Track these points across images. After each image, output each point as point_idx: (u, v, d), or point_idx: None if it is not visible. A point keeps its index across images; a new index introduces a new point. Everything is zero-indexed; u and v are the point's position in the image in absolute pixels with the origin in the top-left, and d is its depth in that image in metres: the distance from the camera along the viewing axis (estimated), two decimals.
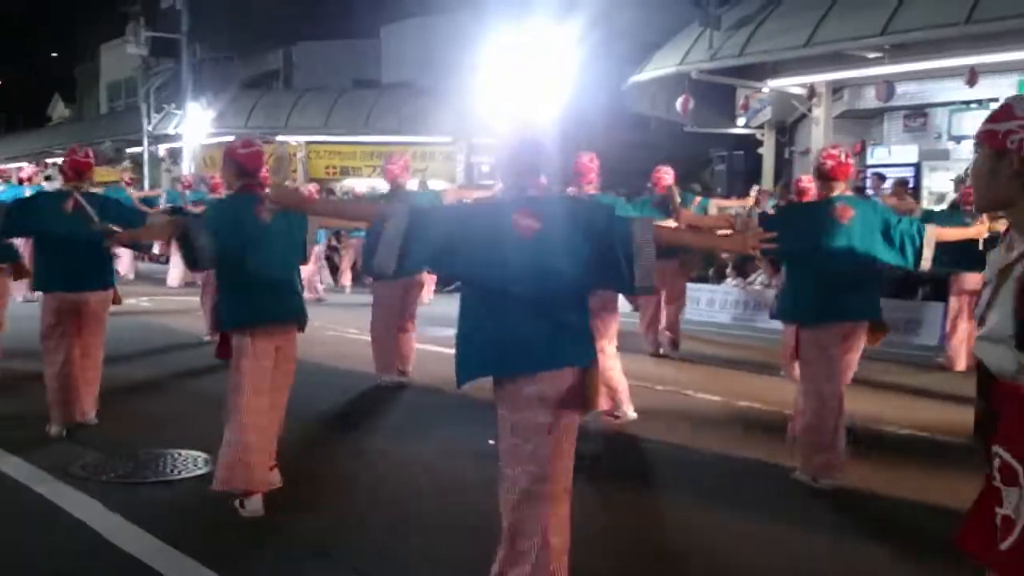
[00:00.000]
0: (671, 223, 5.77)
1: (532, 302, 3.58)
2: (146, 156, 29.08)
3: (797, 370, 6.10)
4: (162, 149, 30.13)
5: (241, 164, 5.26)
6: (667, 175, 10.31)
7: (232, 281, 5.27)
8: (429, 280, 15.56)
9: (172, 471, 5.97)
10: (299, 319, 5.39)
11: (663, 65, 17.57)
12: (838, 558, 4.83)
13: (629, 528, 5.22)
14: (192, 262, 5.37)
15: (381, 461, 6.42)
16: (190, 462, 6.12)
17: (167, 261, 18.98)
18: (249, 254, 5.13)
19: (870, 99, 16.24)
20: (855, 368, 5.89)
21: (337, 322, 12.47)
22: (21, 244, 9.54)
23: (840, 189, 5.77)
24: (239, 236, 5.11)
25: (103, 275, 6.95)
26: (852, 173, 5.80)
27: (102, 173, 22.27)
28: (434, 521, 5.17)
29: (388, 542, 4.87)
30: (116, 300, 7.09)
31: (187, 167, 26.85)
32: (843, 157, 5.77)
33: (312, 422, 7.29)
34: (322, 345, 10.08)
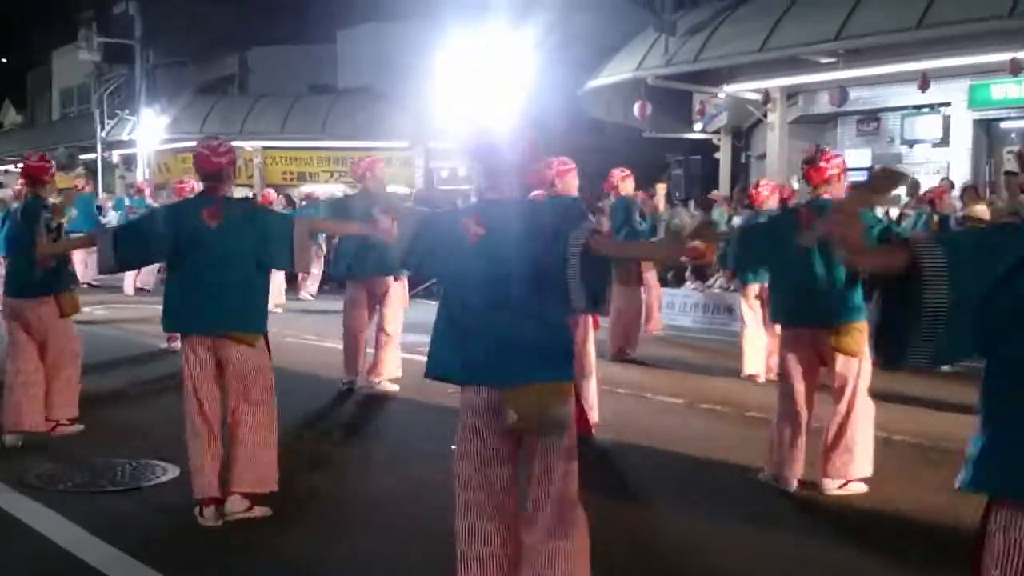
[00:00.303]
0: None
1: (482, 311, 3.49)
2: (100, 163, 28.74)
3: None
4: (116, 155, 29.78)
5: (199, 167, 5.23)
6: (623, 179, 10.43)
7: (171, 284, 5.31)
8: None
9: (130, 480, 5.89)
10: (240, 329, 5.13)
11: (619, 71, 17.67)
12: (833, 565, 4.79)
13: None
14: (99, 265, 5.73)
15: (348, 468, 6.40)
16: (148, 471, 6.04)
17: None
18: (187, 258, 5.09)
19: (824, 104, 16.44)
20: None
21: (303, 329, 12.40)
22: None
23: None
24: (175, 240, 5.10)
25: (42, 284, 6.75)
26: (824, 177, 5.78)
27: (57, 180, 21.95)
28: (407, 529, 5.14)
29: (358, 551, 4.85)
30: (66, 310, 6.95)
31: (141, 174, 26.56)
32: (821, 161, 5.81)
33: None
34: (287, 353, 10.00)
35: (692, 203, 18.95)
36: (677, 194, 18.92)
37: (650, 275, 12.23)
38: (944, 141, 15.63)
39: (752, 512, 5.44)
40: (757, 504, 5.62)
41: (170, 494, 5.60)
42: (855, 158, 16.87)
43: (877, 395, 5.83)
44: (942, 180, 13.61)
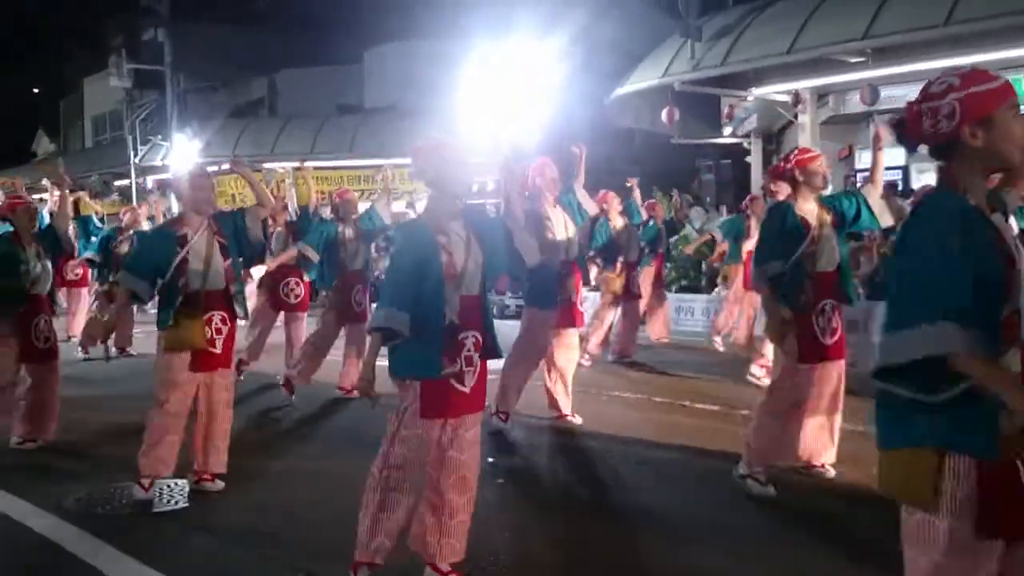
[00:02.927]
0: None
1: None
2: (134, 188, 29.04)
3: None
4: (150, 180, 30.08)
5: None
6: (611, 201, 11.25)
7: None
8: None
9: (168, 502, 5.89)
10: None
11: (646, 78, 17.61)
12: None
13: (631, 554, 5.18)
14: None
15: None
16: (185, 491, 6.05)
17: None
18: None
19: (855, 104, 16.27)
20: None
21: None
22: None
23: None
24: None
25: None
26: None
27: (92, 207, 22.22)
28: None
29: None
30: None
31: (176, 199, 26.78)
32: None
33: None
34: None
35: (724, 208, 18.86)
36: (708, 199, 18.83)
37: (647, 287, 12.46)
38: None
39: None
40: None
41: (210, 513, 5.62)
42: (889, 157, 16.66)
43: None
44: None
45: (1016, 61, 13.84)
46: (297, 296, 10.10)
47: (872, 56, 14.66)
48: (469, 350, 4.22)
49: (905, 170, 16.40)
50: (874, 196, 6.07)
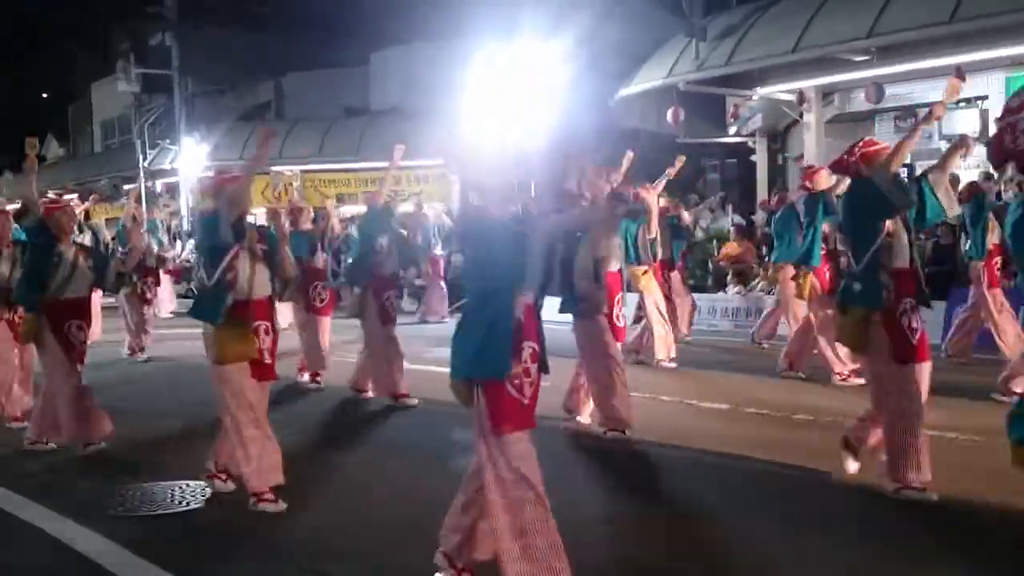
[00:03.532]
0: None
1: None
2: (143, 192, 29.13)
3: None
4: (159, 184, 30.19)
5: None
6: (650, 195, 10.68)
7: None
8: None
9: (177, 503, 5.95)
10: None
11: (650, 78, 17.65)
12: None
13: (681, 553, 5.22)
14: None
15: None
16: (193, 492, 6.11)
17: None
18: None
19: (860, 102, 16.29)
20: None
21: None
22: None
23: None
24: None
25: None
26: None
27: (103, 211, 22.36)
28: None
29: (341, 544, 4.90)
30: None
31: (185, 201, 26.93)
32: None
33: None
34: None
35: (731, 207, 18.88)
36: (713, 199, 18.82)
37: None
38: (983, 135, 15.42)
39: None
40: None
41: (213, 514, 5.69)
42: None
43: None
44: (981, 174, 13.44)
45: (1021, 58, 13.87)
46: (323, 300, 10.10)
47: (877, 54, 14.69)
48: (527, 361, 4.07)
49: (911, 168, 16.37)
50: (942, 184, 5.74)
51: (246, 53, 31.30)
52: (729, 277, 15.65)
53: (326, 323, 10.18)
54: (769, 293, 13.25)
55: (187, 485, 6.22)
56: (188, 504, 5.91)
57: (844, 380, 9.26)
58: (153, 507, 5.87)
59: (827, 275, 9.49)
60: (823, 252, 9.53)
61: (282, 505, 5.63)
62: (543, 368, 4.15)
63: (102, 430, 7.33)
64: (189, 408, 8.57)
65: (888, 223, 5.56)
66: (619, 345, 7.61)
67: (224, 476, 6.05)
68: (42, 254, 7.21)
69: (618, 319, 7.47)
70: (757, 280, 15.05)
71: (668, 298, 11.61)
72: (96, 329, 13.87)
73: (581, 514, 5.18)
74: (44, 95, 47.51)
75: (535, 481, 3.98)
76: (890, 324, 5.53)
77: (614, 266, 7.46)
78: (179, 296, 19.67)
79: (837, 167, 6.32)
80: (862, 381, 9.04)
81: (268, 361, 5.83)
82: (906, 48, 14.34)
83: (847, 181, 9.35)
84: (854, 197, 5.87)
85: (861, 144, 5.96)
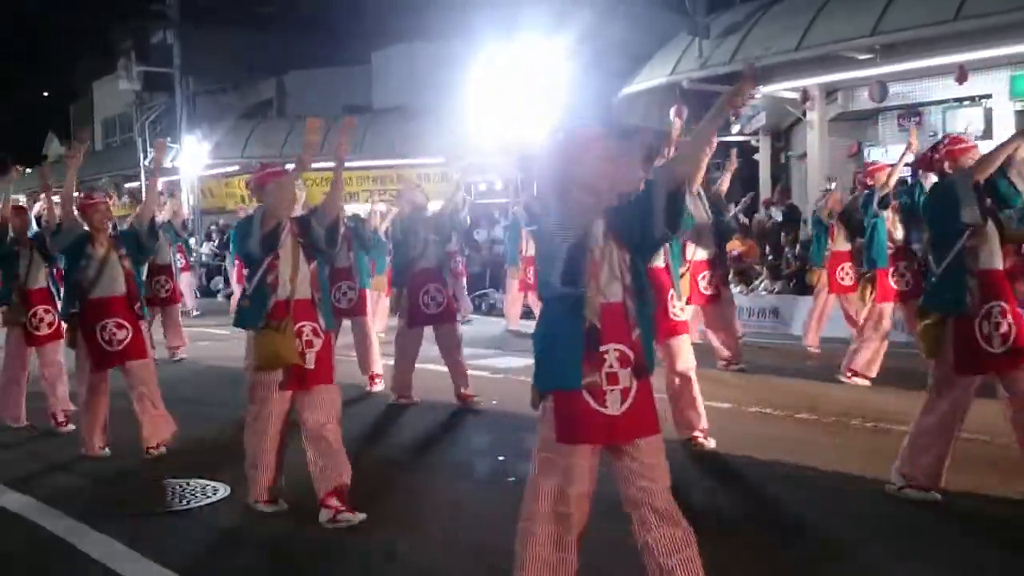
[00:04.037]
0: None
1: None
2: (144, 191, 29.12)
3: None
4: (160, 183, 30.14)
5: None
6: None
7: None
8: None
9: (182, 501, 5.93)
10: None
11: (653, 76, 17.61)
12: None
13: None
14: None
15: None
16: (199, 491, 6.08)
17: None
18: None
19: (864, 100, 16.25)
20: None
21: None
22: None
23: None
24: None
25: None
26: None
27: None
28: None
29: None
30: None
31: (186, 199, 26.89)
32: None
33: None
34: None
35: (734, 205, 18.82)
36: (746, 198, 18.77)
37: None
38: (987, 133, 15.38)
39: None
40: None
41: (222, 514, 5.65)
42: (898, 154, 16.67)
43: None
44: None
45: None
46: (351, 300, 9.74)
47: (880, 52, 14.64)
48: (612, 365, 3.64)
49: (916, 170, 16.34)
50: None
51: (248, 51, 31.31)
52: (731, 276, 15.60)
53: (363, 324, 9.89)
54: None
55: (186, 484, 6.20)
56: (189, 503, 5.89)
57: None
58: (161, 506, 5.85)
59: (895, 277, 9.33)
60: (890, 252, 9.39)
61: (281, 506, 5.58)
62: (643, 372, 3.70)
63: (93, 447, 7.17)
64: (208, 410, 8.55)
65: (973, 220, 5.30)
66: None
67: (347, 508, 5.35)
68: (71, 256, 7.04)
69: (675, 314, 7.08)
70: (760, 280, 15.02)
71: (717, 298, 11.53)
72: None
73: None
74: (45, 93, 47.55)
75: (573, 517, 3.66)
76: (961, 331, 5.29)
77: (660, 262, 7.04)
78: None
79: (922, 164, 6.07)
80: (864, 381, 9.07)
81: (311, 367, 5.42)
82: (910, 46, 14.30)
83: (895, 176, 9.40)
84: (936, 196, 5.64)
85: (948, 141, 5.76)
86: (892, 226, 9.74)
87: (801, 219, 17.16)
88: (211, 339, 14.58)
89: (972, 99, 15.34)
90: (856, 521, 5.25)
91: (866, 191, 9.56)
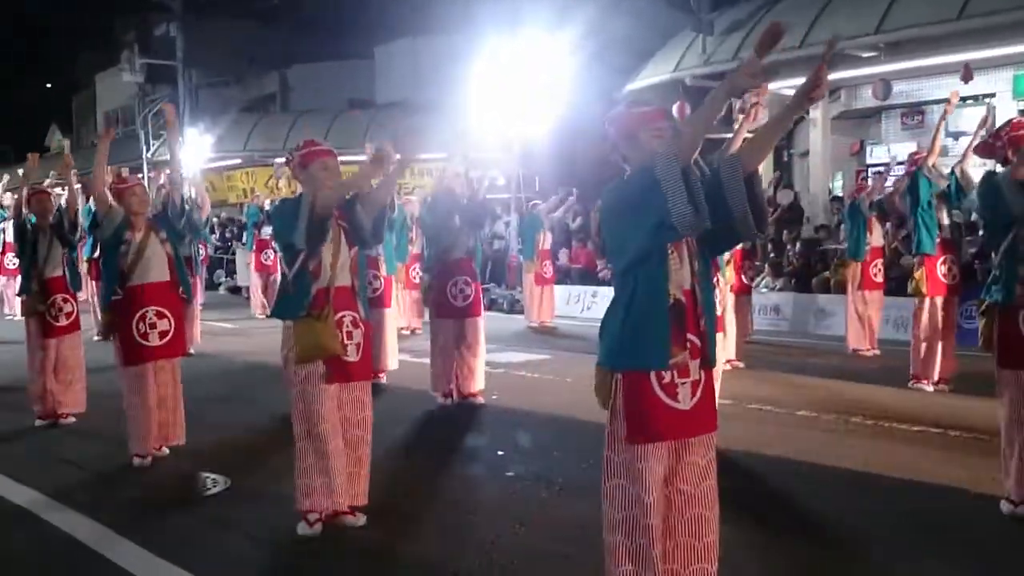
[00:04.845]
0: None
1: None
2: (147, 182, 29.13)
3: None
4: (162, 175, 30.14)
5: None
6: None
7: None
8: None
9: (184, 494, 5.93)
10: None
11: (657, 72, 17.60)
12: None
13: None
14: None
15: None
16: (199, 484, 6.09)
17: None
18: None
19: (867, 98, 16.25)
20: None
21: None
22: None
23: None
24: None
25: None
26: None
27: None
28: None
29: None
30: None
31: (188, 192, 26.85)
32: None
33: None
34: None
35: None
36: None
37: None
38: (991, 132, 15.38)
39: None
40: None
41: (223, 507, 5.66)
42: (901, 152, 16.68)
43: None
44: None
45: None
46: (375, 290, 9.42)
47: (884, 51, 14.64)
48: (685, 358, 3.38)
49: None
50: None
51: (251, 45, 31.34)
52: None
53: (383, 316, 9.63)
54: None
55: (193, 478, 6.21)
56: (193, 498, 5.89)
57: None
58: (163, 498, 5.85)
59: (943, 266, 8.81)
60: (938, 241, 8.84)
61: (316, 530, 5.05)
62: (708, 364, 3.45)
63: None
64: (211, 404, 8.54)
65: None
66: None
67: (350, 511, 5.15)
68: (110, 243, 6.67)
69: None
70: (761, 277, 14.99)
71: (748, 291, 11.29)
72: None
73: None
74: (48, 85, 47.58)
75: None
76: (1006, 322, 5.04)
77: None
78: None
79: (983, 151, 5.77)
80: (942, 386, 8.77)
81: (352, 359, 5.03)
82: (914, 45, 14.30)
83: (931, 161, 9.10)
84: (984, 186, 5.33)
85: (1010, 127, 5.43)
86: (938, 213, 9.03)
87: (804, 217, 17.16)
88: (215, 332, 14.52)
89: (975, 98, 15.32)
90: (863, 518, 5.23)
91: (910, 177, 9.13)
